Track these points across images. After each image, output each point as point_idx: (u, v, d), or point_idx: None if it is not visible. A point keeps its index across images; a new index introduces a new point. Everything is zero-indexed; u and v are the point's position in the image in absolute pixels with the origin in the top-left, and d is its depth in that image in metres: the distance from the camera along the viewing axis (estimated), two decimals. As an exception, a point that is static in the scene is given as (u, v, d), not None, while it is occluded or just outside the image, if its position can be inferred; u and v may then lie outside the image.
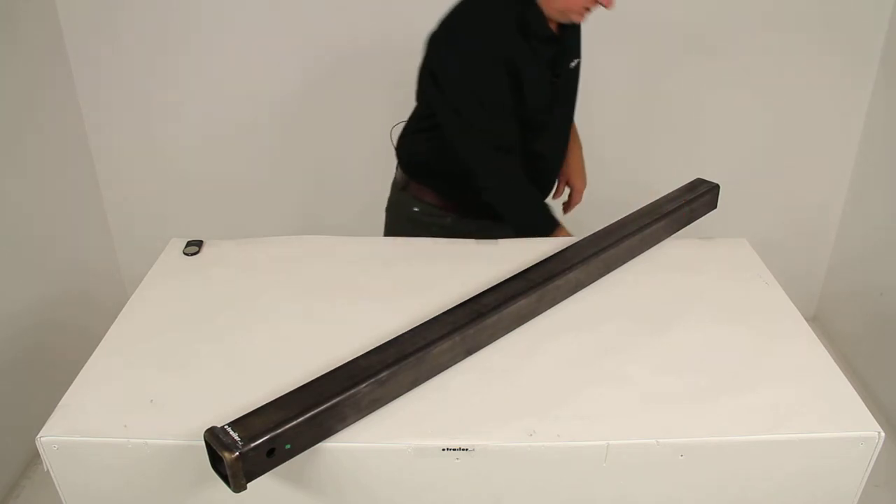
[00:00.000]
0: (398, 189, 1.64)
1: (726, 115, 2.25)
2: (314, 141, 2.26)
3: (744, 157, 2.30)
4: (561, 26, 1.42)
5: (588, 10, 1.36)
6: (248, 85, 2.16)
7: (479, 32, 1.37)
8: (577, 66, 1.52)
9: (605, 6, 1.32)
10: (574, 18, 1.38)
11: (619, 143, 2.19)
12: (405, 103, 2.15)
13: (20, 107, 1.90)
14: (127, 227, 2.36)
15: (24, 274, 1.91)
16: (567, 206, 1.69)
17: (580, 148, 1.68)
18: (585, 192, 1.70)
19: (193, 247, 1.34)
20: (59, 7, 2.00)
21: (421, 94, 1.53)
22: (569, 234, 1.42)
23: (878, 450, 0.94)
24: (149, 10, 2.03)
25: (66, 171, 2.13)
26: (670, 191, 1.42)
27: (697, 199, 1.39)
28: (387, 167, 2.30)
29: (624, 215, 1.35)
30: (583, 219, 1.71)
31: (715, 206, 1.45)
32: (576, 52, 1.51)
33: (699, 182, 1.46)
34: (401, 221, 1.64)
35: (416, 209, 1.59)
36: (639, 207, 1.37)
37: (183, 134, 2.23)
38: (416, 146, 1.58)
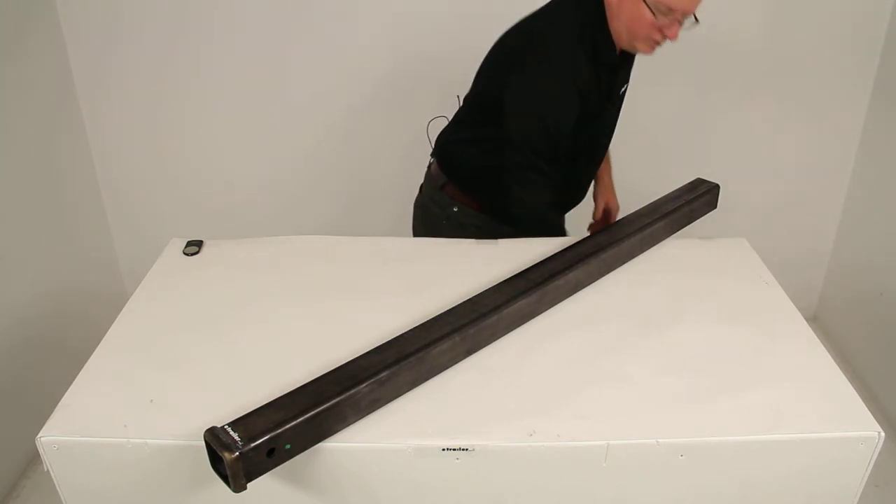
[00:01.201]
0: (435, 187, 1.59)
1: (726, 115, 2.25)
2: (314, 141, 2.26)
3: (744, 157, 2.30)
4: (621, 52, 1.40)
5: (657, 43, 1.33)
6: (249, 84, 2.16)
7: (560, 59, 1.32)
8: (625, 92, 1.51)
9: (671, 39, 1.31)
10: (641, 48, 1.35)
11: (619, 143, 2.19)
12: (408, 103, 2.16)
13: (20, 107, 1.90)
14: (127, 227, 2.36)
15: (24, 274, 1.90)
16: (596, 226, 1.68)
17: (610, 168, 1.68)
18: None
19: (193, 247, 1.34)
20: (59, 7, 2.00)
21: (477, 97, 1.50)
22: None
23: (878, 450, 0.94)
24: (149, 10, 2.03)
25: (65, 171, 2.13)
26: (670, 191, 1.42)
27: (697, 199, 1.40)
28: (387, 166, 2.31)
29: (624, 215, 1.35)
30: (583, 219, 1.71)
31: (715, 206, 1.46)
32: (627, 77, 1.50)
33: (699, 182, 1.46)
34: (436, 219, 1.60)
35: (455, 209, 1.56)
36: (639, 207, 1.37)
37: (183, 134, 2.23)
38: (465, 153, 1.53)
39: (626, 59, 1.45)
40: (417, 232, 1.69)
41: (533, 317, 1.14)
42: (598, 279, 1.24)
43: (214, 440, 0.82)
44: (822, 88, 2.20)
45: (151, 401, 0.96)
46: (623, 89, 1.49)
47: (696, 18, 1.32)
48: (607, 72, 1.39)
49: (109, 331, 1.11)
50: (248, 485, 0.82)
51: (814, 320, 2.55)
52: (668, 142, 2.30)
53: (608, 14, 1.32)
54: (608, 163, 1.67)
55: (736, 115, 2.24)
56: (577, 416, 0.95)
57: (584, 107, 1.34)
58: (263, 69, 2.13)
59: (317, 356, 1.01)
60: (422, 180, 1.69)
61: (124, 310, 1.16)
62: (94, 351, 1.07)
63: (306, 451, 0.88)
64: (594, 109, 1.39)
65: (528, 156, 1.36)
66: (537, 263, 1.20)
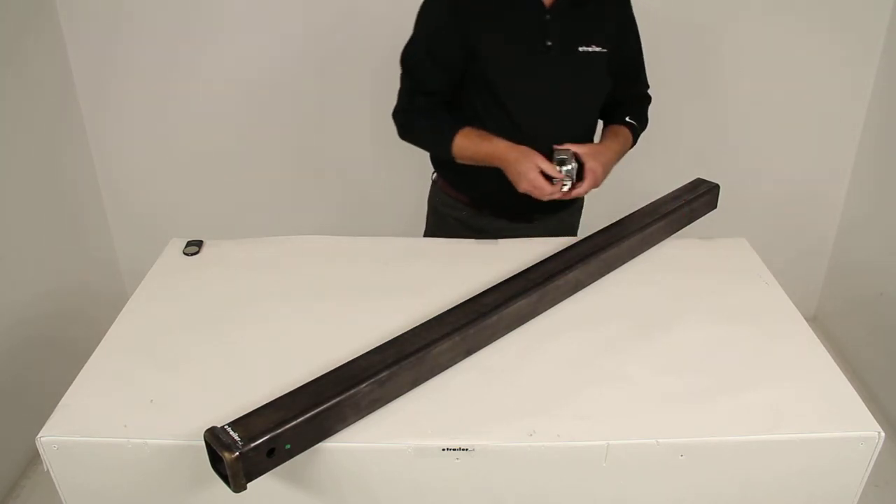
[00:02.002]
0: (432, 181, 1.63)
1: (726, 115, 2.25)
2: (315, 141, 2.26)
3: (744, 156, 2.30)
4: (569, 2, 1.34)
5: None
6: (249, 85, 2.16)
7: None
8: (597, 55, 1.39)
9: None
10: None
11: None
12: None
13: (20, 107, 1.90)
14: (127, 227, 2.36)
15: (24, 274, 1.91)
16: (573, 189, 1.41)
17: (614, 151, 1.43)
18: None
19: (193, 247, 1.34)
20: (59, 7, 2.00)
21: None
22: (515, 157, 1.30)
23: (878, 450, 0.94)
24: (149, 10, 2.03)
25: (66, 171, 2.13)
26: (670, 191, 1.42)
27: (697, 199, 1.40)
28: (390, 166, 2.31)
29: (624, 215, 1.35)
30: (583, 219, 1.71)
31: (715, 206, 1.46)
32: (595, 37, 1.38)
33: (699, 182, 1.46)
34: (430, 213, 1.64)
35: (438, 200, 1.59)
36: (639, 207, 1.37)
37: (183, 134, 2.23)
38: None
39: (578, 9, 1.35)
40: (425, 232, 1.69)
41: (533, 317, 1.14)
42: (598, 279, 1.24)
43: (214, 440, 0.82)
44: (821, 88, 2.20)
45: (151, 401, 0.96)
46: (589, 49, 1.38)
47: None
48: (532, 14, 1.33)
49: (109, 331, 1.11)
50: (248, 485, 0.82)
51: (814, 320, 2.55)
52: (668, 142, 2.30)
53: None
54: (615, 141, 1.45)
55: (736, 114, 2.25)
56: (577, 416, 0.95)
57: (486, 47, 1.33)
58: (264, 69, 2.13)
59: (317, 356, 1.01)
60: (422, 180, 1.69)
61: (124, 310, 1.17)
62: (94, 351, 1.07)
63: (306, 451, 0.88)
64: (518, 56, 1.35)
65: (402, 73, 1.42)
66: (537, 263, 1.20)
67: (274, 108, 2.20)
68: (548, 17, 1.34)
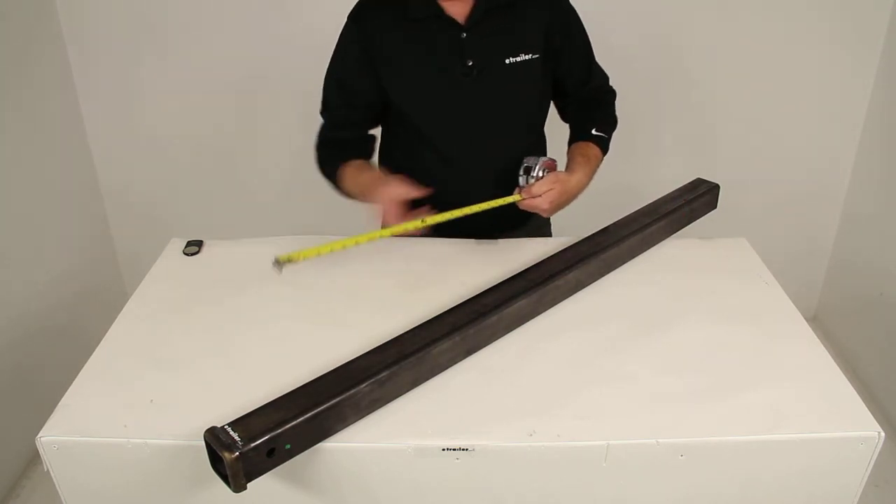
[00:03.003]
0: None
1: (726, 115, 2.25)
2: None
3: (744, 156, 2.30)
4: (480, 13, 1.24)
5: None
6: (249, 85, 2.16)
7: (355, 9, 1.31)
8: (529, 63, 1.29)
9: None
10: None
11: (619, 143, 2.19)
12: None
13: (20, 106, 1.90)
14: (127, 227, 2.36)
15: (24, 274, 1.91)
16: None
17: (585, 174, 1.31)
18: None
19: (193, 247, 1.34)
20: (59, 7, 2.00)
21: None
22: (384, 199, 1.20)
23: (878, 450, 0.94)
24: (149, 10, 2.03)
25: (66, 171, 2.13)
26: (670, 191, 1.42)
27: (697, 199, 1.39)
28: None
29: (624, 215, 1.35)
30: (583, 219, 1.71)
31: (715, 206, 1.45)
32: (515, 46, 1.28)
33: (699, 182, 1.46)
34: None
35: None
36: (639, 207, 1.37)
37: (183, 134, 2.23)
38: None
39: (495, 21, 1.25)
40: None
41: (533, 317, 1.14)
42: (598, 279, 1.24)
43: (214, 440, 0.82)
44: (822, 88, 2.20)
45: (151, 401, 0.96)
46: (518, 58, 1.27)
47: None
48: (446, 34, 1.24)
49: (109, 331, 1.11)
50: (248, 485, 0.82)
51: (814, 320, 2.55)
52: (669, 142, 2.30)
53: None
54: (587, 160, 1.34)
55: (736, 114, 2.25)
56: (577, 416, 0.95)
57: (400, 76, 1.28)
58: (264, 68, 2.13)
59: (317, 356, 1.01)
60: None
61: (124, 310, 1.16)
62: (94, 351, 1.06)
63: (306, 451, 0.88)
64: (438, 81, 1.27)
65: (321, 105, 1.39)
66: (537, 263, 1.20)
67: (274, 108, 2.20)
68: (464, 34, 1.24)
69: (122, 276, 2.41)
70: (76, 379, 1.01)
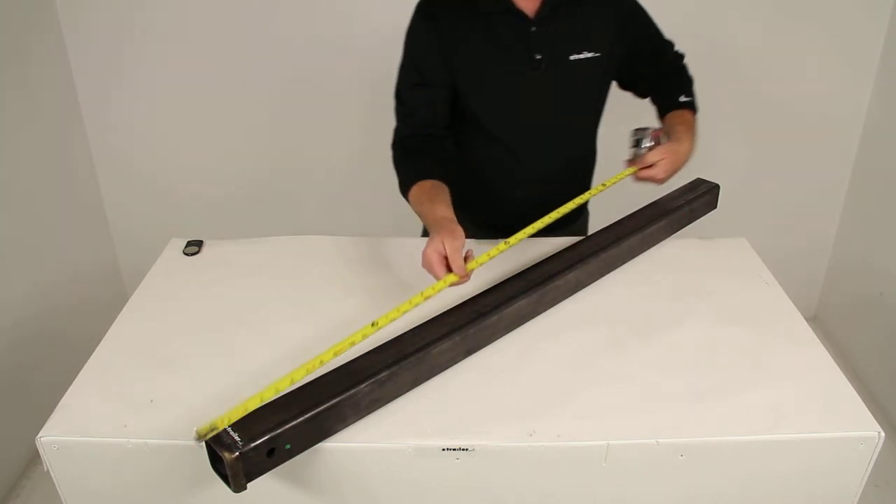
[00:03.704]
0: None
1: (726, 114, 2.25)
2: (315, 141, 2.26)
3: (744, 156, 2.30)
4: (549, 8, 1.26)
5: None
6: (249, 85, 2.16)
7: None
8: (590, 60, 1.32)
9: None
10: None
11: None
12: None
13: (20, 107, 1.90)
14: (127, 227, 2.36)
15: (24, 274, 1.91)
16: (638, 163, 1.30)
17: (681, 142, 1.32)
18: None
19: (193, 247, 1.34)
20: (59, 7, 2.00)
21: None
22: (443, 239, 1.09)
23: (878, 450, 0.94)
24: (149, 10, 2.03)
25: (66, 171, 2.13)
26: (670, 191, 1.42)
27: (697, 199, 1.40)
28: (389, 167, 2.31)
29: (624, 215, 1.35)
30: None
31: (715, 206, 1.45)
32: (580, 43, 1.31)
33: (699, 182, 1.46)
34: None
35: None
36: (639, 207, 1.37)
37: (183, 134, 2.23)
38: None
39: (563, 16, 1.27)
40: None
41: (533, 317, 1.14)
42: (598, 279, 1.24)
43: (214, 440, 0.82)
44: (822, 88, 2.20)
45: (151, 401, 0.96)
46: (581, 55, 1.30)
47: None
48: (516, 27, 1.26)
49: (109, 331, 1.11)
50: (248, 485, 0.82)
51: (814, 320, 2.55)
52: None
53: None
54: (688, 127, 1.37)
55: (736, 114, 2.25)
56: (577, 416, 0.95)
57: (471, 66, 1.28)
58: (263, 68, 2.13)
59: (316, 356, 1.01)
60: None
61: (124, 310, 1.17)
62: (94, 351, 1.07)
63: (306, 451, 0.88)
64: (507, 72, 1.29)
65: (395, 104, 1.37)
66: (537, 263, 1.20)
67: (274, 108, 2.20)
68: (533, 28, 1.27)
69: (122, 276, 2.41)
70: (76, 379, 1.01)
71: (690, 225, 1.41)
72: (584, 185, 1.51)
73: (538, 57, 1.28)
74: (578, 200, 1.27)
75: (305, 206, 2.36)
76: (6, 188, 1.84)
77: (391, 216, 2.38)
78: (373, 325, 0.97)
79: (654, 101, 1.47)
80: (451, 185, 1.27)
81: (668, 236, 1.37)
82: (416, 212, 1.25)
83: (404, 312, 1.00)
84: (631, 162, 1.29)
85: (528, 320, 1.13)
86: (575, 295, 1.20)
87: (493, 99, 1.33)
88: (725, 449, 0.93)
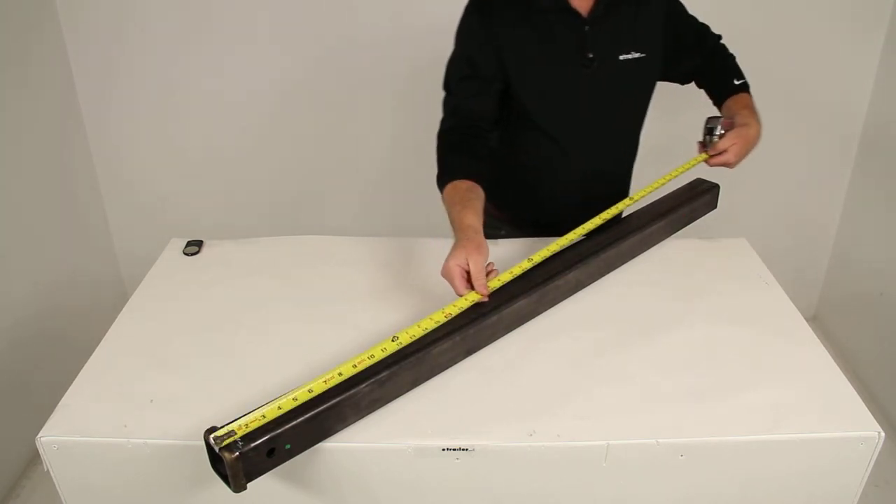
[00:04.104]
0: None
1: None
2: (315, 141, 2.26)
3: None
4: (602, 7, 1.28)
5: None
6: (249, 85, 2.16)
7: None
8: (637, 61, 1.34)
9: None
10: None
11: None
12: (412, 101, 2.15)
13: (21, 107, 1.90)
14: (127, 227, 2.36)
15: (24, 274, 1.91)
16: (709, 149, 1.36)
17: (749, 126, 1.34)
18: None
19: (193, 247, 1.34)
20: (59, 7, 2.00)
21: None
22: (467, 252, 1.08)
23: (878, 450, 0.94)
24: (149, 10, 2.03)
25: (66, 171, 2.13)
26: (670, 191, 1.42)
27: (697, 199, 1.40)
28: (388, 168, 2.31)
29: (624, 215, 1.35)
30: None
31: (715, 206, 1.45)
32: (633, 43, 1.33)
33: (699, 182, 1.46)
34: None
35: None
36: (639, 207, 1.37)
37: (183, 134, 2.23)
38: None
39: (614, 16, 1.29)
40: None
41: (533, 317, 1.14)
42: (598, 279, 1.24)
43: (215, 440, 0.81)
44: (822, 87, 2.20)
45: (151, 401, 0.96)
46: (630, 56, 1.33)
47: None
48: (570, 25, 1.28)
49: (109, 331, 1.11)
50: (248, 485, 0.82)
51: (814, 320, 2.55)
52: (668, 141, 2.30)
53: None
54: (750, 110, 1.39)
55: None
56: (577, 416, 0.95)
57: (522, 60, 1.28)
58: (262, 68, 2.13)
59: (317, 356, 1.01)
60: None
61: (124, 310, 1.17)
62: (94, 351, 1.07)
63: (306, 451, 0.88)
64: (560, 68, 1.30)
65: (445, 95, 1.35)
66: (537, 263, 1.19)
67: (274, 108, 2.20)
68: (587, 27, 1.29)
69: (122, 276, 2.41)
70: (76, 379, 1.01)
71: (690, 225, 1.41)
72: (624, 188, 1.52)
73: (590, 56, 1.30)
74: (625, 204, 1.30)
75: (306, 206, 2.36)
76: (6, 188, 1.84)
77: (392, 216, 2.38)
78: (393, 339, 0.97)
79: (708, 90, 1.51)
80: (492, 184, 1.28)
81: (668, 236, 1.37)
82: (446, 209, 1.25)
83: (426, 330, 0.99)
84: (703, 148, 1.36)
85: (528, 320, 1.13)
86: (575, 295, 1.20)
87: (546, 96, 1.34)
88: (725, 449, 0.93)
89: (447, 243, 1.37)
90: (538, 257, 1.15)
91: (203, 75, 2.13)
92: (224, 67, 2.13)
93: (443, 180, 1.27)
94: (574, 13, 1.28)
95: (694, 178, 1.48)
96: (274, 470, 0.85)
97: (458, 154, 1.29)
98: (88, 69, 2.10)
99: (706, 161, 1.35)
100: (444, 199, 1.25)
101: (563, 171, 1.42)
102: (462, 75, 1.32)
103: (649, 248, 1.34)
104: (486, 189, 1.29)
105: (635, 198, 1.33)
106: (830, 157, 2.32)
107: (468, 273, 1.05)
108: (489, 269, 1.07)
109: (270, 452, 0.83)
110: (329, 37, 2.09)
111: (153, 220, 2.32)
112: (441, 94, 1.37)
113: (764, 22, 2.10)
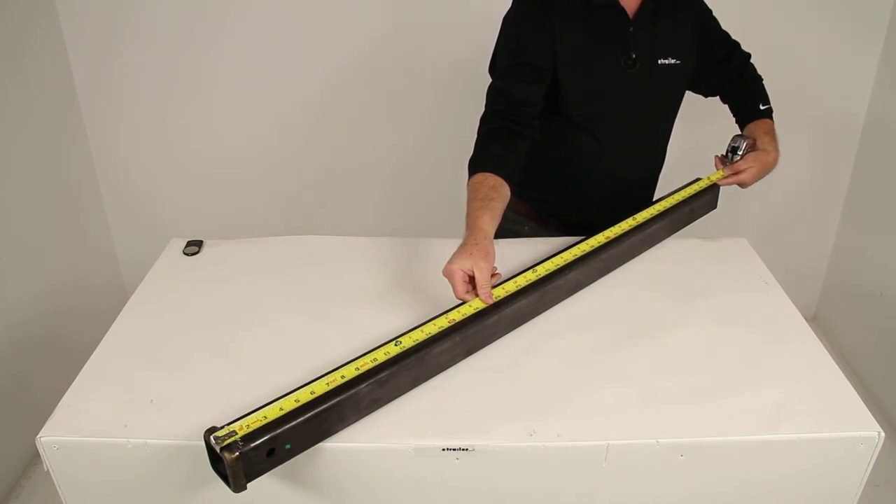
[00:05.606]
0: None
1: (726, 115, 2.25)
2: (315, 140, 2.26)
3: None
4: (648, 10, 1.30)
5: None
6: (249, 85, 2.16)
7: None
8: (674, 67, 1.37)
9: None
10: None
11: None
12: (412, 102, 2.16)
13: (20, 107, 1.90)
14: (127, 227, 2.36)
15: (24, 274, 1.91)
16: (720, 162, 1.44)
17: (769, 152, 1.44)
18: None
19: (193, 247, 1.34)
20: (59, 6, 2.00)
21: None
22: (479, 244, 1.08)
23: (878, 450, 0.94)
24: (149, 10, 2.03)
25: (66, 171, 2.13)
26: (670, 191, 1.42)
27: (697, 198, 1.39)
28: (387, 167, 2.31)
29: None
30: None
31: (715, 206, 1.46)
32: (674, 50, 1.36)
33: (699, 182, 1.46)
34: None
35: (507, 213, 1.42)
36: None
37: (183, 134, 2.23)
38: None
39: (657, 21, 1.32)
40: None
41: (533, 317, 1.14)
42: (597, 279, 1.24)
43: (215, 440, 0.81)
44: (822, 87, 2.20)
45: (151, 401, 0.96)
46: (667, 61, 1.35)
47: None
48: (618, 25, 1.30)
49: (109, 331, 1.11)
50: (248, 485, 0.82)
51: (814, 320, 2.55)
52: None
53: None
54: (772, 137, 1.47)
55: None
56: (577, 416, 0.95)
57: (570, 53, 1.28)
58: (261, 68, 2.13)
59: (317, 356, 1.01)
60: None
61: (124, 310, 1.17)
62: (94, 351, 1.07)
63: (306, 451, 0.88)
64: (605, 65, 1.31)
65: (491, 83, 1.33)
66: (537, 263, 1.19)
67: (274, 108, 2.20)
68: (632, 28, 1.30)
69: (122, 276, 2.41)
70: (76, 379, 1.01)
71: (690, 225, 1.41)
72: (649, 195, 1.53)
73: (633, 56, 1.32)
74: (653, 209, 1.33)
75: (306, 206, 2.36)
76: (5, 188, 1.84)
77: (392, 216, 2.38)
78: (396, 343, 0.97)
79: (733, 109, 1.53)
80: (524, 179, 1.28)
81: (668, 236, 1.37)
82: (467, 195, 1.22)
83: (429, 335, 0.99)
84: (722, 164, 1.41)
85: (528, 320, 1.13)
86: (575, 295, 1.20)
87: (590, 91, 1.34)
88: (725, 449, 0.93)
89: (448, 243, 1.37)
90: (543, 269, 1.15)
91: (203, 75, 2.13)
92: (224, 67, 2.12)
93: (474, 167, 1.25)
94: (622, 12, 1.30)
95: (693, 177, 1.48)
96: (274, 470, 0.85)
97: (498, 144, 1.26)
98: (88, 69, 2.10)
99: (720, 178, 1.40)
100: (468, 184, 1.24)
101: (597, 171, 1.43)
102: (511, 62, 1.31)
103: (649, 248, 1.34)
104: (513, 185, 1.26)
105: (658, 208, 1.34)
106: (830, 157, 2.32)
107: (470, 277, 1.04)
108: (494, 273, 1.07)
109: (270, 452, 0.83)
110: (328, 36, 2.09)
111: (153, 221, 2.32)
112: (447, 93, 1.37)
113: (764, 22, 2.10)
